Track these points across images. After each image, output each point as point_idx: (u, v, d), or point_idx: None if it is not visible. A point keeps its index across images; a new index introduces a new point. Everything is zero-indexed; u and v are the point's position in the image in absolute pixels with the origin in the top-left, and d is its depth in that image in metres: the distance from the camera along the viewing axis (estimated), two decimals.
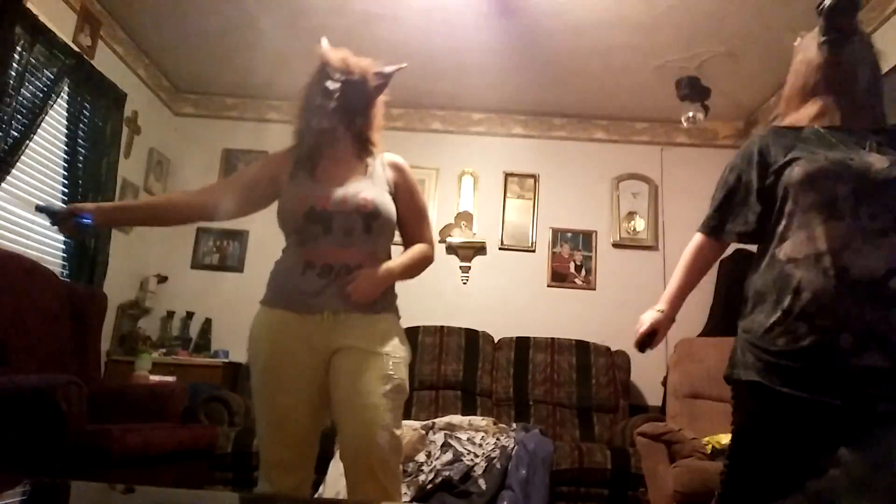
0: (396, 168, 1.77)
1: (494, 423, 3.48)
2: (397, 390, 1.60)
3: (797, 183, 1.37)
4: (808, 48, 1.53)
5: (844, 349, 1.26)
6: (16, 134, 3.04)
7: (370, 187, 1.68)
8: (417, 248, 1.75)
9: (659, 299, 1.64)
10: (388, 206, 1.68)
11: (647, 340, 1.58)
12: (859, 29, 1.48)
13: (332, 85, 1.65)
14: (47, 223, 1.68)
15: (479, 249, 4.56)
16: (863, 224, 1.30)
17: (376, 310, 1.65)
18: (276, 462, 1.62)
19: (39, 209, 1.68)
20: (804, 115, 1.50)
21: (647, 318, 1.58)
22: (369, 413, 1.54)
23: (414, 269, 1.73)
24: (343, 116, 1.67)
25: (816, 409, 1.26)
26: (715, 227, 1.56)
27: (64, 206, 1.75)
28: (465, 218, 4.57)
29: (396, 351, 1.63)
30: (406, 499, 2.86)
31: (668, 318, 1.58)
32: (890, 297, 1.26)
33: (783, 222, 1.40)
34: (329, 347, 1.61)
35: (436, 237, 1.82)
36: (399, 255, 1.73)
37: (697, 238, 1.61)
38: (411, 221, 1.77)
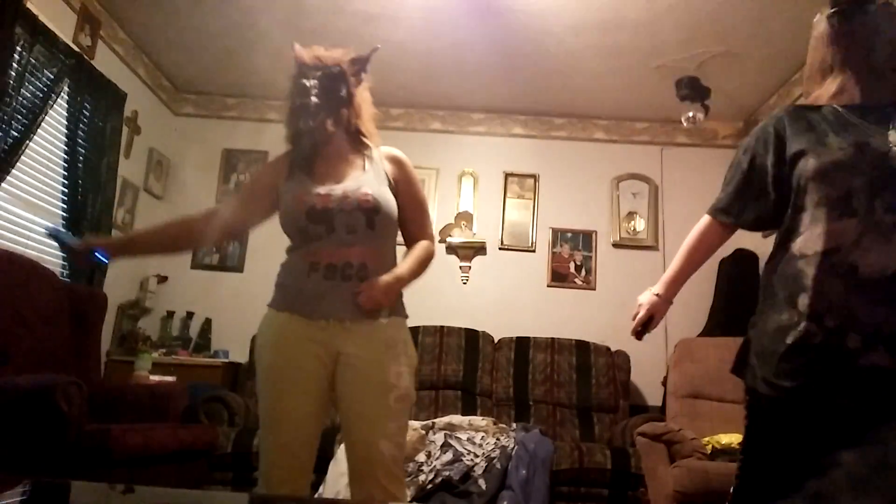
0: (395, 161, 1.76)
1: (494, 423, 3.48)
2: (401, 399, 1.60)
3: (810, 177, 1.32)
4: (821, 22, 1.45)
5: (851, 349, 1.23)
6: (16, 134, 3.04)
7: (370, 182, 1.67)
8: (421, 248, 1.74)
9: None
10: (389, 200, 1.67)
11: (644, 327, 1.54)
12: None
13: (308, 82, 1.65)
14: (50, 222, 1.69)
15: (479, 249, 4.56)
16: (877, 218, 1.25)
17: (383, 315, 1.64)
18: (275, 463, 1.62)
19: (51, 234, 1.68)
20: (824, 92, 1.43)
21: (644, 300, 1.55)
22: (373, 423, 1.56)
23: (421, 269, 1.72)
24: (327, 110, 1.65)
25: (825, 409, 1.24)
26: (727, 211, 1.49)
27: (77, 240, 1.74)
28: (465, 218, 4.57)
29: (401, 359, 1.62)
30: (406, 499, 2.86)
31: (666, 302, 1.54)
32: None
33: (798, 215, 1.34)
34: (333, 352, 1.61)
35: (436, 237, 1.82)
36: (405, 258, 1.71)
37: (705, 221, 1.54)
38: (411, 215, 1.75)
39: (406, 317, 1.73)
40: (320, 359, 1.61)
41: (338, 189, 1.63)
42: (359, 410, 1.58)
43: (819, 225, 1.30)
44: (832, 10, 1.41)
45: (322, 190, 1.64)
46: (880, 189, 1.26)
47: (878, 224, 1.25)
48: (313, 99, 1.62)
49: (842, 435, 1.22)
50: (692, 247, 1.55)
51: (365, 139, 1.75)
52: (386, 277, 1.61)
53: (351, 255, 1.61)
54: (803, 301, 1.28)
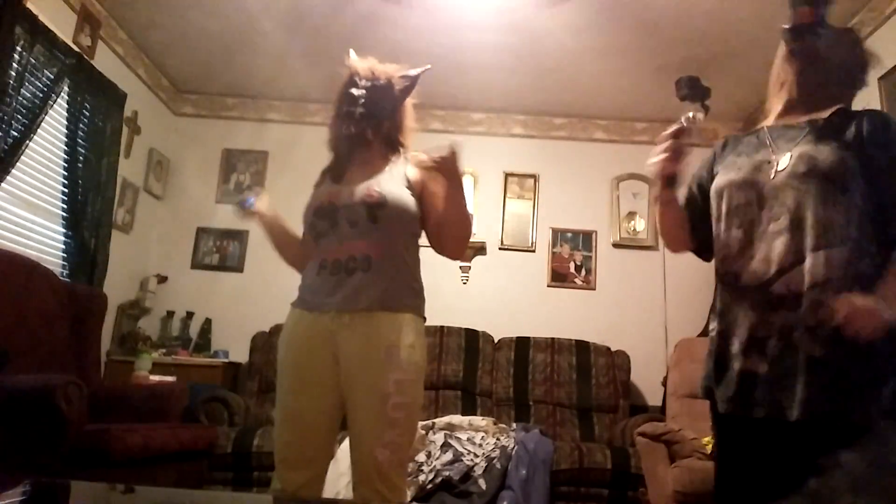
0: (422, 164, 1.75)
1: (494, 423, 3.48)
2: (399, 407, 1.56)
3: (712, 194, 1.46)
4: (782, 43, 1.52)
5: (733, 354, 1.32)
6: (16, 134, 3.04)
7: (383, 181, 1.68)
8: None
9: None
10: (400, 197, 1.66)
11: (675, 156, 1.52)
12: (826, 22, 1.47)
13: (356, 91, 1.70)
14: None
15: (479, 249, 4.55)
16: (763, 228, 1.33)
17: (382, 308, 1.60)
18: (285, 459, 1.63)
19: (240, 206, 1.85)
20: (771, 109, 1.50)
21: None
22: (370, 431, 1.56)
23: (463, 212, 1.70)
24: (370, 121, 1.70)
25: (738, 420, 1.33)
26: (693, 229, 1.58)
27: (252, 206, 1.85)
28: None
29: (402, 367, 1.57)
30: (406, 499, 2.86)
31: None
32: (772, 299, 1.27)
33: (713, 231, 1.47)
34: (336, 348, 1.61)
35: None
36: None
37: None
38: (431, 215, 1.74)
39: (417, 314, 1.67)
40: (331, 355, 1.61)
41: (348, 188, 1.67)
42: (357, 416, 1.59)
43: (718, 238, 1.42)
44: (786, 27, 1.49)
45: (335, 189, 1.69)
46: (767, 202, 1.34)
47: (763, 234, 1.32)
48: (360, 108, 1.68)
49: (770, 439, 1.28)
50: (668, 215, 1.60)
51: (399, 151, 1.78)
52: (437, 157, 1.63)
53: (353, 249, 1.62)
54: (714, 319, 1.41)
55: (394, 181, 1.69)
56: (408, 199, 1.68)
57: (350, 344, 1.59)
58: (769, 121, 1.49)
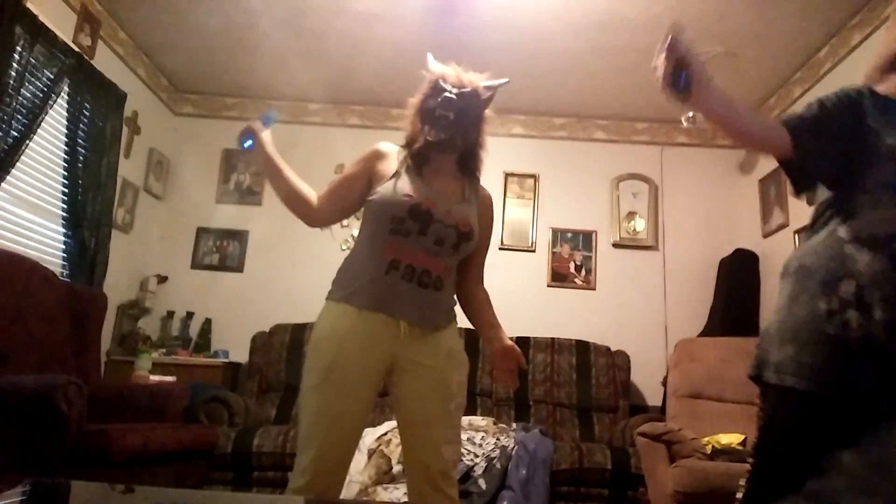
0: (487, 205, 1.81)
1: (494, 423, 3.48)
2: (459, 407, 1.69)
3: (884, 155, 1.23)
4: None
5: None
6: (16, 134, 3.04)
7: (471, 211, 1.72)
8: (488, 301, 1.83)
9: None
10: (476, 233, 1.72)
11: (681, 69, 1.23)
12: None
13: (450, 96, 1.69)
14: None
15: None
16: None
17: (447, 324, 1.71)
18: (321, 458, 1.57)
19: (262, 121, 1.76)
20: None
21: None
22: (436, 430, 1.62)
23: None
24: (458, 128, 1.69)
25: (863, 409, 1.17)
26: (796, 129, 1.29)
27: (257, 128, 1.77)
28: None
29: (461, 369, 1.72)
30: (406, 499, 2.86)
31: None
32: None
33: (854, 195, 1.25)
34: (393, 355, 1.63)
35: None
36: (491, 311, 1.82)
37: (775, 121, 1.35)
38: (477, 256, 1.80)
39: (457, 323, 1.78)
40: (380, 360, 1.63)
41: (444, 202, 1.67)
42: (422, 418, 1.62)
43: (880, 209, 1.22)
44: None
45: (431, 194, 1.67)
46: None
47: None
48: (453, 114, 1.68)
49: (859, 433, 1.16)
50: (750, 110, 1.34)
51: (475, 165, 1.79)
52: (511, 348, 1.76)
53: (431, 265, 1.63)
54: (846, 288, 1.19)
55: (474, 213, 1.73)
56: (478, 232, 1.74)
57: (412, 351, 1.63)
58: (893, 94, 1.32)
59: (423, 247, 1.62)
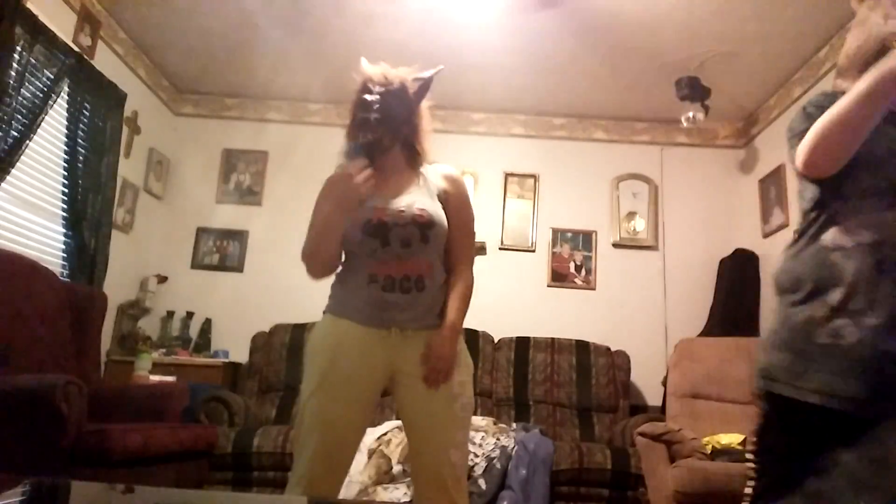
0: (450, 180, 1.77)
1: (494, 423, 3.48)
2: (465, 408, 1.66)
3: (861, 162, 1.22)
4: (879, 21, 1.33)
5: (892, 352, 1.16)
6: (16, 134, 3.04)
7: (423, 197, 1.69)
8: (462, 287, 1.73)
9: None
10: (442, 216, 1.69)
11: None
12: None
13: (370, 97, 1.67)
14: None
15: (479, 250, 4.56)
16: None
17: (439, 322, 1.68)
18: (315, 464, 1.58)
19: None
20: None
21: None
22: (442, 433, 1.61)
23: (467, 307, 1.75)
24: (387, 126, 1.67)
25: (859, 416, 1.17)
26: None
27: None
28: None
29: (462, 369, 1.68)
30: (406, 499, 2.86)
31: None
32: None
33: (836, 203, 1.26)
34: (392, 364, 1.64)
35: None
36: (452, 302, 1.70)
37: None
38: (456, 235, 1.74)
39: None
40: (377, 369, 1.64)
41: (393, 203, 1.65)
42: (427, 422, 1.62)
43: (863, 215, 1.22)
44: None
45: (378, 203, 1.65)
46: None
47: None
48: (375, 114, 1.65)
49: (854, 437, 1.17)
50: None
51: (420, 156, 1.77)
52: (443, 338, 1.63)
53: (408, 269, 1.63)
54: (834, 296, 1.20)
55: (431, 196, 1.70)
56: (444, 217, 1.69)
57: (410, 356, 1.63)
58: None
59: (392, 256, 1.62)
